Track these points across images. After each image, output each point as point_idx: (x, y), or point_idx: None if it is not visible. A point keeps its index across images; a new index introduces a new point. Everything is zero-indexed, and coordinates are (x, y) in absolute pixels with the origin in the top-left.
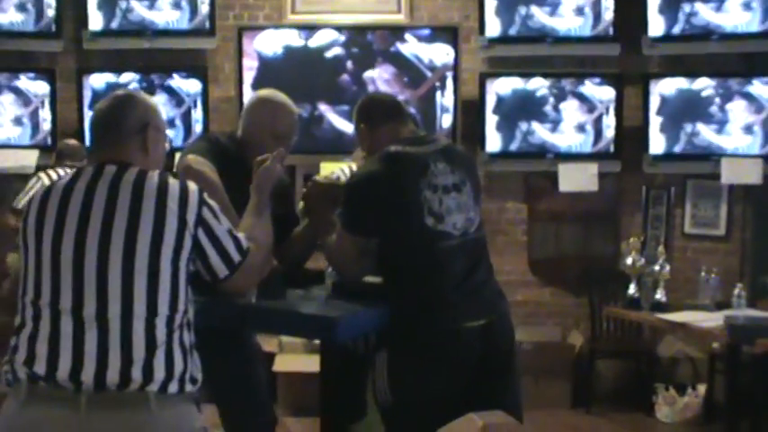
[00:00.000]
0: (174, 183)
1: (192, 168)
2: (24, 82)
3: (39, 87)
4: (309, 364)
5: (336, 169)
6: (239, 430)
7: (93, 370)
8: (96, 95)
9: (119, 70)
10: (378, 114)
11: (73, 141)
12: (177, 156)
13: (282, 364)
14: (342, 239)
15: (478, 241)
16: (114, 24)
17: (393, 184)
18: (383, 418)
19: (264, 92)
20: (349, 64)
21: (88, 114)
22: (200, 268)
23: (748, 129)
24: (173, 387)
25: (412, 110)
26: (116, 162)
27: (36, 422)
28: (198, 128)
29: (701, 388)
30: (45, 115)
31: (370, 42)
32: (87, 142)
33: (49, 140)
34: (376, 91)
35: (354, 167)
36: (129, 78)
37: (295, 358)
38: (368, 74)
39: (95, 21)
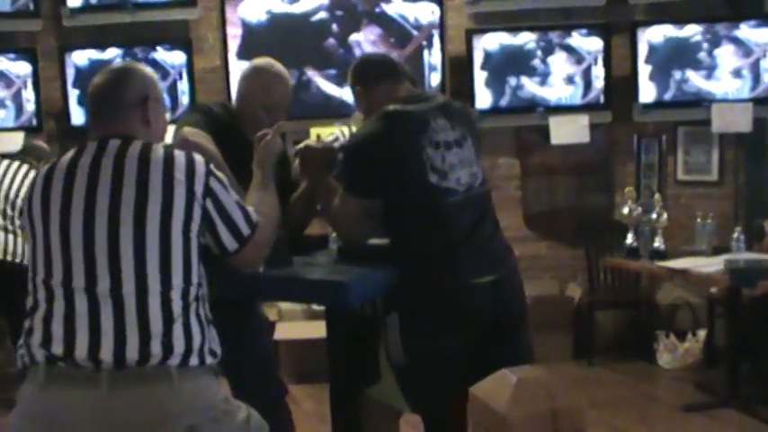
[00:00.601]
0: (179, 154)
1: (189, 140)
2: (5, 63)
3: (20, 68)
4: (310, 330)
5: (336, 131)
6: (251, 400)
7: (112, 347)
8: (80, 73)
9: (101, 46)
10: (373, 75)
11: (40, 143)
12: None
13: (283, 331)
14: (345, 202)
15: (483, 195)
16: (94, 0)
17: (393, 142)
18: (398, 378)
19: (259, 61)
20: (334, 27)
21: (73, 93)
22: (210, 241)
23: (737, 73)
24: (193, 360)
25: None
26: (119, 136)
27: (57, 403)
28: (185, 99)
29: (701, 333)
30: (28, 96)
31: (354, 4)
32: (74, 119)
33: (34, 121)
34: (370, 52)
35: (353, 129)
36: (113, 54)
37: (295, 325)
38: (354, 36)
39: None
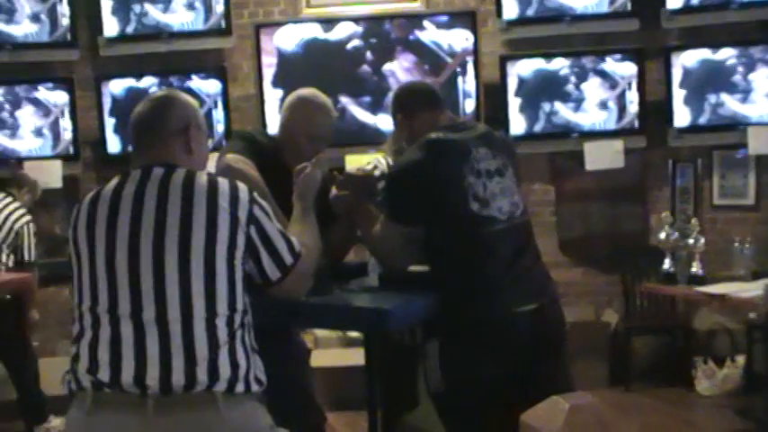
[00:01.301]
0: (223, 181)
1: (233, 167)
2: (43, 92)
3: (57, 97)
4: (346, 357)
5: (373, 159)
6: (290, 428)
7: (158, 373)
8: (116, 101)
9: (137, 75)
10: (415, 103)
11: (24, 172)
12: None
13: (319, 358)
14: (387, 229)
15: (525, 225)
16: (129, 29)
17: (436, 170)
18: (436, 405)
19: (304, 91)
20: (368, 55)
21: (109, 121)
22: (253, 270)
23: None
24: (239, 387)
25: None
26: (162, 164)
27: (104, 428)
28: (220, 128)
29: (740, 359)
30: (65, 125)
31: (388, 32)
32: (110, 148)
33: (71, 150)
34: (412, 80)
35: (388, 158)
36: (149, 82)
37: (331, 353)
38: (388, 64)
39: (110, 27)
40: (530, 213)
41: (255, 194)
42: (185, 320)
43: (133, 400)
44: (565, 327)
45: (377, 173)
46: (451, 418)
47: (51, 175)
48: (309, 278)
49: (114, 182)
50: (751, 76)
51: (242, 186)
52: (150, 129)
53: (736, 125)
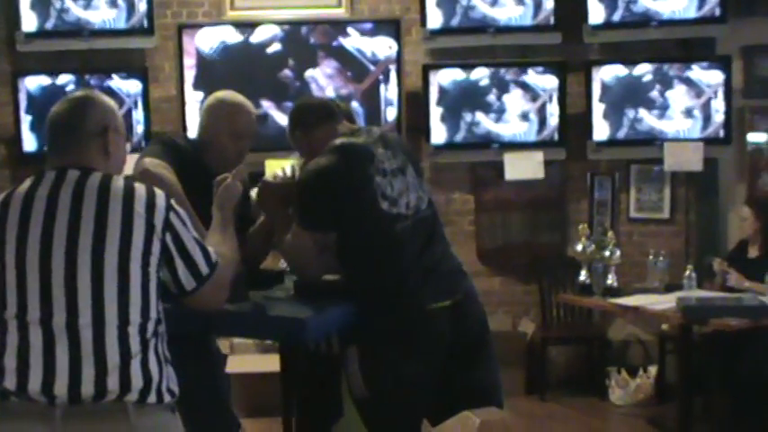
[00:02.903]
0: (140, 186)
1: (150, 171)
2: None
3: None
4: (262, 363)
5: (289, 164)
6: None
7: (67, 382)
8: (32, 99)
9: (55, 72)
10: (311, 118)
11: None
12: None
13: (235, 364)
14: (299, 237)
15: (431, 217)
16: (49, 25)
17: (345, 174)
18: (361, 413)
19: (221, 93)
20: (290, 60)
21: (25, 119)
22: (168, 278)
23: (689, 113)
24: (151, 398)
25: (354, 103)
26: (78, 167)
27: None
28: (139, 129)
29: (653, 369)
30: None
31: (311, 37)
32: (26, 146)
33: None
34: (307, 96)
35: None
36: (66, 80)
37: (247, 358)
38: (310, 70)
39: (29, 22)
40: (435, 207)
41: (173, 201)
42: (97, 327)
43: (41, 410)
44: (485, 323)
45: (270, 177)
46: (377, 423)
47: None
48: (226, 289)
49: (27, 183)
50: (668, 93)
51: (159, 192)
52: (67, 130)
53: (653, 140)
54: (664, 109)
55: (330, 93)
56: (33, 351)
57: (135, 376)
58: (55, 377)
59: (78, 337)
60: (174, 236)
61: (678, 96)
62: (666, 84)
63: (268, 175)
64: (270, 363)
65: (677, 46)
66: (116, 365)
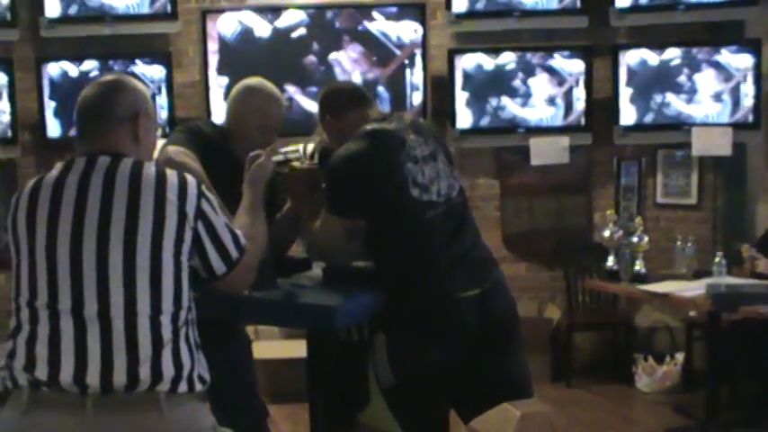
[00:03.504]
0: (171, 173)
1: (174, 160)
2: None
3: None
4: (288, 349)
5: (300, 146)
6: (232, 424)
7: (99, 372)
8: (55, 84)
9: (79, 58)
10: (342, 103)
11: None
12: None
13: (260, 350)
14: (328, 223)
15: (461, 204)
16: (72, 11)
17: (376, 160)
18: (387, 400)
19: (252, 81)
20: (315, 45)
21: (49, 104)
22: (198, 264)
23: (717, 97)
24: (182, 387)
25: (380, 87)
26: (108, 153)
27: (40, 429)
28: (163, 114)
29: (680, 356)
30: (4, 106)
31: (335, 22)
32: (50, 132)
33: (9, 133)
34: (334, 80)
35: (311, 146)
36: (90, 66)
37: (273, 344)
38: (334, 54)
39: (52, 7)
40: (466, 194)
41: (203, 188)
42: (129, 317)
43: (72, 400)
44: (515, 312)
45: (297, 163)
46: (404, 412)
47: None
48: (254, 272)
49: (57, 170)
50: (696, 77)
51: (190, 179)
52: (97, 115)
53: (681, 125)
54: (692, 93)
55: (356, 77)
56: (65, 341)
57: (166, 365)
58: (87, 367)
59: (110, 327)
60: (206, 223)
61: (706, 80)
62: (694, 68)
63: (288, 151)
64: (295, 348)
65: (705, 29)
66: (148, 355)
